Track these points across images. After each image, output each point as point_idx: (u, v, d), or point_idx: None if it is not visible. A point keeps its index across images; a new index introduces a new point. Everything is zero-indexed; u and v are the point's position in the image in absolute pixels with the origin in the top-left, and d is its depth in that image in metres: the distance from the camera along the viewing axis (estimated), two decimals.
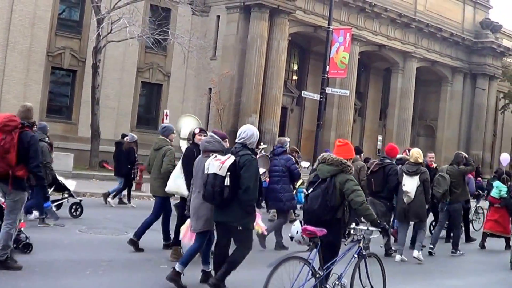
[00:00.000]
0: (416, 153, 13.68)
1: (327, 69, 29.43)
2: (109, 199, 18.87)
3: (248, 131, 8.86)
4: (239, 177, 8.43)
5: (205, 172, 8.59)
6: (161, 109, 34.78)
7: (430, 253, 14.65)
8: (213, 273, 9.15)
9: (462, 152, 16.49)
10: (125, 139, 20.53)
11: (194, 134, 11.25)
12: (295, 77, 45.05)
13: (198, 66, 36.52)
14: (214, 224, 9.07)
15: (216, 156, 8.66)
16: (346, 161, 8.38)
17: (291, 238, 8.27)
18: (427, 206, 14.03)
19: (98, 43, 29.21)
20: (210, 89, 35.86)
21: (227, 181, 8.36)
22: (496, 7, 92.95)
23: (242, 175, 8.43)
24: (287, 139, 16.02)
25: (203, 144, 9.48)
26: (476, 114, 50.98)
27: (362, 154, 17.97)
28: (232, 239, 8.98)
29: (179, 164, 11.22)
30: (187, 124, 28.62)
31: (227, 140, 10.17)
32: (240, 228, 8.62)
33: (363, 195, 8.35)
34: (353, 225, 8.44)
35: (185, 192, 10.66)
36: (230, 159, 8.48)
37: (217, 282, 8.66)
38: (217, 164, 8.44)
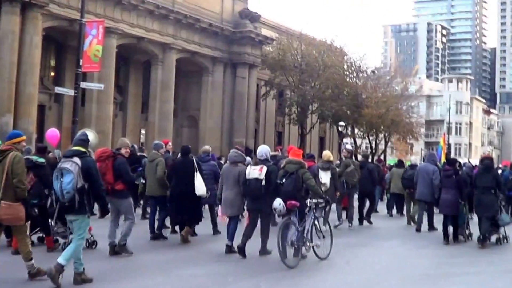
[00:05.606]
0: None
1: (81, 63, 30.55)
2: None
3: (264, 150, 14.27)
4: (268, 180, 13.55)
5: (247, 177, 13.75)
6: None
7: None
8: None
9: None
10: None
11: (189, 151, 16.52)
12: (52, 73, 45.71)
13: None
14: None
15: (251, 166, 13.99)
16: (302, 161, 14.38)
17: (274, 209, 13.18)
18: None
19: None
20: None
21: (263, 182, 13.51)
22: None
23: (271, 178, 13.60)
24: (210, 148, 19.65)
25: (232, 157, 14.84)
26: (237, 102, 54.23)
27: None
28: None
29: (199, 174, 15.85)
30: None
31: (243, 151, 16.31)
32: (268, 212, 13.69)
33: (314, 181, 14.11)
34: (308, 199, 13.75)
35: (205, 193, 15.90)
36: (264, 168, 13.67)
37: (263, 249, 13.98)
38: (256, 172, 13.64)
